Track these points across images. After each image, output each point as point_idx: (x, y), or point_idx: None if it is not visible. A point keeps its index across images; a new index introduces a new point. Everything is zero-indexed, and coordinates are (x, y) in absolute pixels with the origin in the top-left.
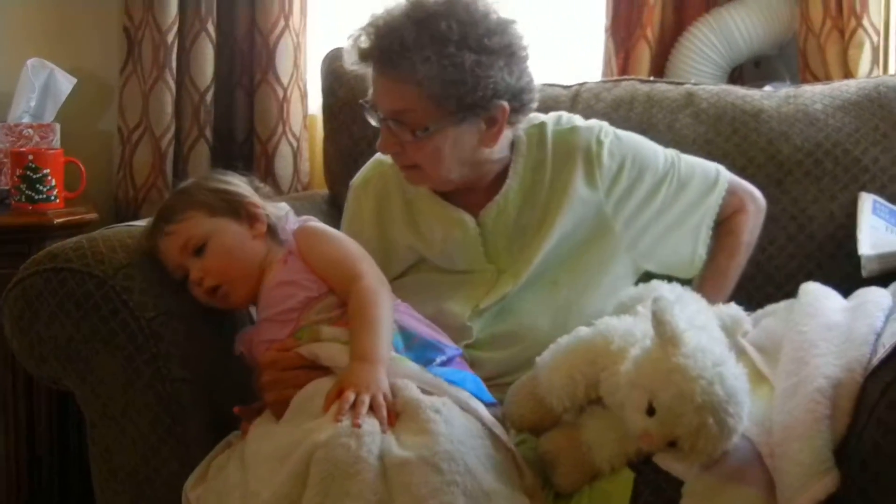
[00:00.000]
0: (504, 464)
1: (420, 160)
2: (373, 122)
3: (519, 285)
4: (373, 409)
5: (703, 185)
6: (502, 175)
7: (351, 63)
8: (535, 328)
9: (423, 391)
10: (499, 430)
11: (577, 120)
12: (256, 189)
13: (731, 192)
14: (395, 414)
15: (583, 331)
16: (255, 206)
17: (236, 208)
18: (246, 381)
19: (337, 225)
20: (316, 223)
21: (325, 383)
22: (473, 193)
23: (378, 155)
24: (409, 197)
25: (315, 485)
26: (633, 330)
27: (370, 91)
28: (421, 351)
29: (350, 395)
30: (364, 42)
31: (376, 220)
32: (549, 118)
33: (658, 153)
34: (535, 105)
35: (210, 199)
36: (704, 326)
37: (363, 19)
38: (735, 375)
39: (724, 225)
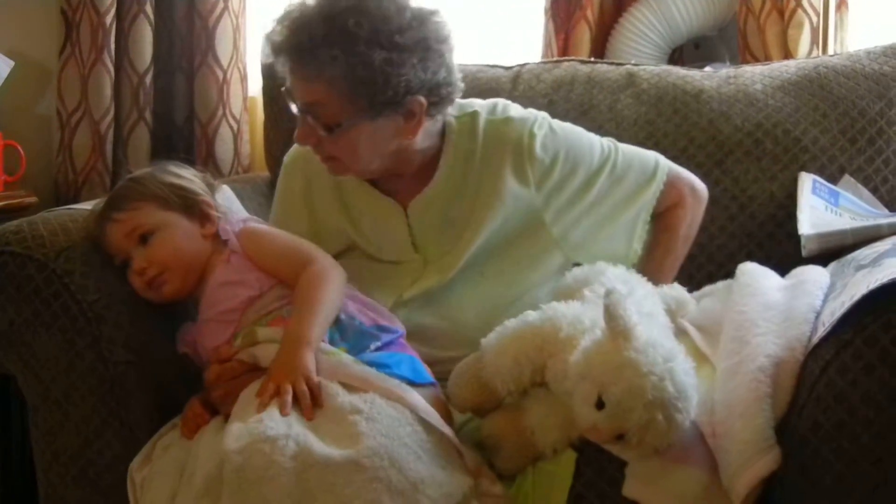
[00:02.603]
0: (440, 446)
1: (337, 153)
2: (294, 111)
3: (447, 280)
4: (296, 396)
5: (640, 177)
6: (432, 163)
7: (265, 56)
8: (462, 321)
9: (350, 386)
10: (431, 415)
11: (513, 110)
12: (210, 186)
13: (670, 185)
14: (319, 399)
15: (531, 315)
16: (209, 205)
17: (190, 205)
18: (189, 363)
19: None
20: (257, 224)
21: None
22: (402, 181)
23: None
24: (338, 179)
25: (232, 493)
26: (582, 317)
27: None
28: (356, 340)
29: (271, 387)
30: (276, 35)
31: (305, 200)
32: (484, 106)
33: (594, 146)
34: (457, 96)
35: (164, 192)
36: (651, 313)
37: (279, 11)
38: (685, 371)
39: (661, 220)
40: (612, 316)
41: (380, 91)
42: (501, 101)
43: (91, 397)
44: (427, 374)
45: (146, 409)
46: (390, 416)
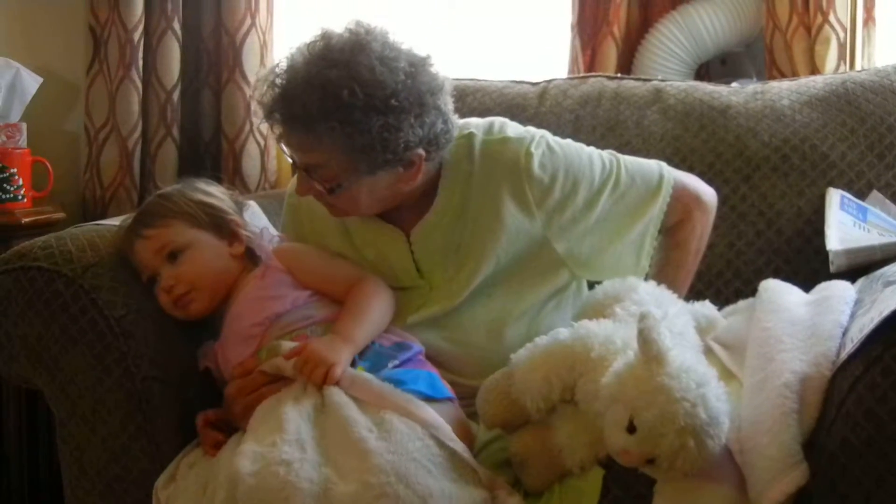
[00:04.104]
0: (452, 460)
1: (337, 204)
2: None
3: (453, 306)
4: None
5: (644, 192)
6: (432, 188)
7: (260, 121)
8: (472, 343)
9: (364, 405)
10: (442, 430)
11: (510, 129)
12: (238, 204)
13: (676, 199)
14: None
15: (562, 333)
16: (238, 225)
17: (219, 224)
18: (213, 380)
19: None
20: (292, 243)
21: (284, 395)
22: (403, 210)
23: None
24: None
25: None
26: (614, 337)
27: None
28: (375, 359)
29: (305, 368)
30: (266, 99)
31: (312, 230)
32: (480, 127)
33: (594, 163)
34: (454, 135)
35: (193, 209)
36: (682, 332)
37: (265, 72)
38: (717, 396)
39: (671, 236)
40: (646, 340)
41: (379, 154)
42: (498, 120)
43: (118, 412)
44: (445, 389)
45: (173, 425)
46: (401, 432)
